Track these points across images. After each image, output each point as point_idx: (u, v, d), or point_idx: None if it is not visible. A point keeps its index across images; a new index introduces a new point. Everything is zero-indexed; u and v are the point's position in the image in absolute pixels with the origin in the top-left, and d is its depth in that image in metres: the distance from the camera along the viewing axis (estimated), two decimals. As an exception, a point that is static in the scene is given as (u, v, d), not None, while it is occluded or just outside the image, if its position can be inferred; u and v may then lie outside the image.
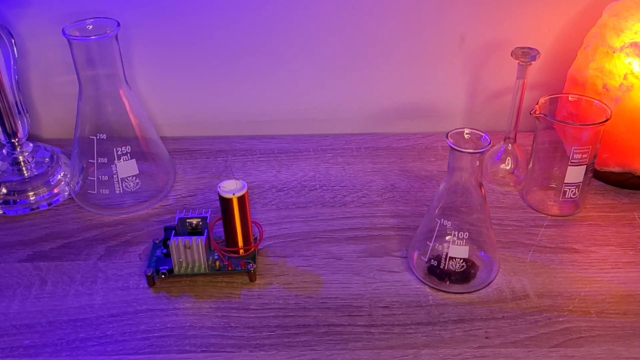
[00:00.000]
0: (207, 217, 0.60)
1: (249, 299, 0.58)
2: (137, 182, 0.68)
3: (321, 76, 0.81)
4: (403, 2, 0.76)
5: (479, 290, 0.59)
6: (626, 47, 0.67)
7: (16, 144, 0.72)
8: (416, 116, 0.84)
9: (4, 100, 0.68)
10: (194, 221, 0.61)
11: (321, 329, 0.55)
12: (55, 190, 0.71)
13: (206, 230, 0.60)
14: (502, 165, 0.73)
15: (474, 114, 0.84)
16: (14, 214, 0.69)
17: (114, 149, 0.66)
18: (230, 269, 0.60)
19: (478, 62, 0.80)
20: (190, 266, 0.60)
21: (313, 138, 0.82)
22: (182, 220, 0.60)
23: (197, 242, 0.58)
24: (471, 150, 0.54)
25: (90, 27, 0.63)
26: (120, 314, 0.57)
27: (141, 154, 0.69)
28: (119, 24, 0.63)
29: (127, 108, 0.67)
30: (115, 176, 0.67)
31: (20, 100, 0.70)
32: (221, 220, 0.60)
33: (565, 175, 0.65)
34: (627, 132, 0.68)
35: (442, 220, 0.57)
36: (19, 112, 0.70)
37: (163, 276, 0.59)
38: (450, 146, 0.54)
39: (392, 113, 0.84)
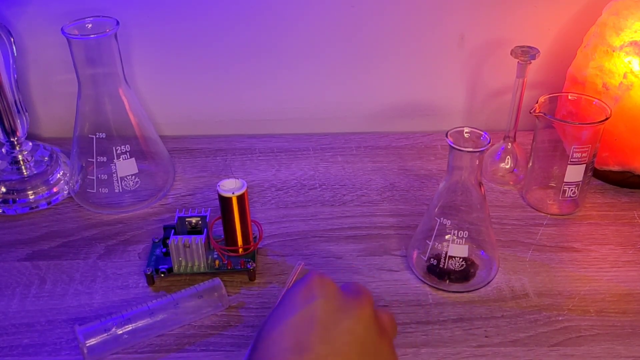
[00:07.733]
0: (206, 216, 0.60)
1: (249, 298, 0.58)
2: (137, 181, 0.68)
3: (320, 75, 0.81)
4: (402, 1, 0.76)
5: (478, 289, 0.59)
6: (626, 46, 0.67)
7: (15, 142, 0.71)
8: (416, 115, 0.84)
9: (3, 99, 0.68)
10: (194, 220, 0.60)
11: (321, 328, 0.55)
12: (55, 189, 0.71)
13: (205, 229, 0.60)
14: (502, 164, 0.73)
15: (473, 113, 0.84)
16: (13, 212, 0.69)
17: (113, 148, 0.66)
18: (229, 268, 0.60)
19: (478, 61, 0.80)
20: (189, 265, 0.60)
21: (312, 137, 0.82)
22: (181, 219, 0.60)
23: (197, 241, 0.58)
24: (471, 149, 0.54)
25: (90, 25, 0.63)
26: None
27: (140, 153, 0.68)
28: (118, 23, 0.63)
29: (127, 107, 0.67)
30: (114, 175, 0.67)
31: (19, 99, 0.70)
32: (220, 219, 0.60)
33: (564, 174, 0.65)
34: (626, 131, 0.68)
35: (442, 219, 0.57)
36: (18, 111, 0.70)
37: (162, 275, 0.59)
38: (449, 145, 0.53)
39: (392, 112, 0.84)
